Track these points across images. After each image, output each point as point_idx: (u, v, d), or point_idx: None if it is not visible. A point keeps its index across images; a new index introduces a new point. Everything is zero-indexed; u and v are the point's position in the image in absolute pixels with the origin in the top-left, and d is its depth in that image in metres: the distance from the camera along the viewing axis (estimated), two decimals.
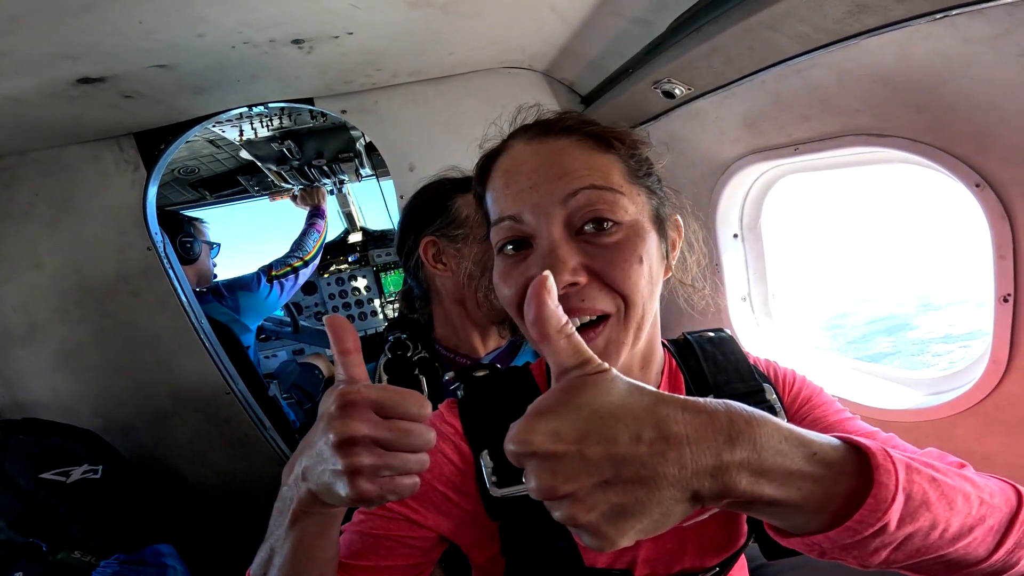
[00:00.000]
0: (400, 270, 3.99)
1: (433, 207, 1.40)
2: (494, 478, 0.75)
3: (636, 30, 1.39)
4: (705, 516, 0.80)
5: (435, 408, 1.32)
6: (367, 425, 0.53)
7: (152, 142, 2.06)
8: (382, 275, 4.00)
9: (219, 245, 2.83)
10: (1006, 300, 1.13)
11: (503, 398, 0.83)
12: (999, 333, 1.16)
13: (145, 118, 1.94)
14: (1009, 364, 1.16)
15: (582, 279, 0.68)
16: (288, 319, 3.58)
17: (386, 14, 1.39)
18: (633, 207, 0.72)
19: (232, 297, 2.78)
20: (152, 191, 2.12)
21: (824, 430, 0.71)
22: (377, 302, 4.06)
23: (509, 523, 0.76)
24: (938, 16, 0.86)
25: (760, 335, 1.97)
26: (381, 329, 3.91)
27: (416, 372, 1.39)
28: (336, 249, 4.06)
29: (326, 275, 4.05)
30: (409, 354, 1.42)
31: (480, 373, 0.88)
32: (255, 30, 1.38)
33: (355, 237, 4.07)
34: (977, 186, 1.09)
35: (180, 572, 1.79)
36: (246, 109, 2.04)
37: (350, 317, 4.08)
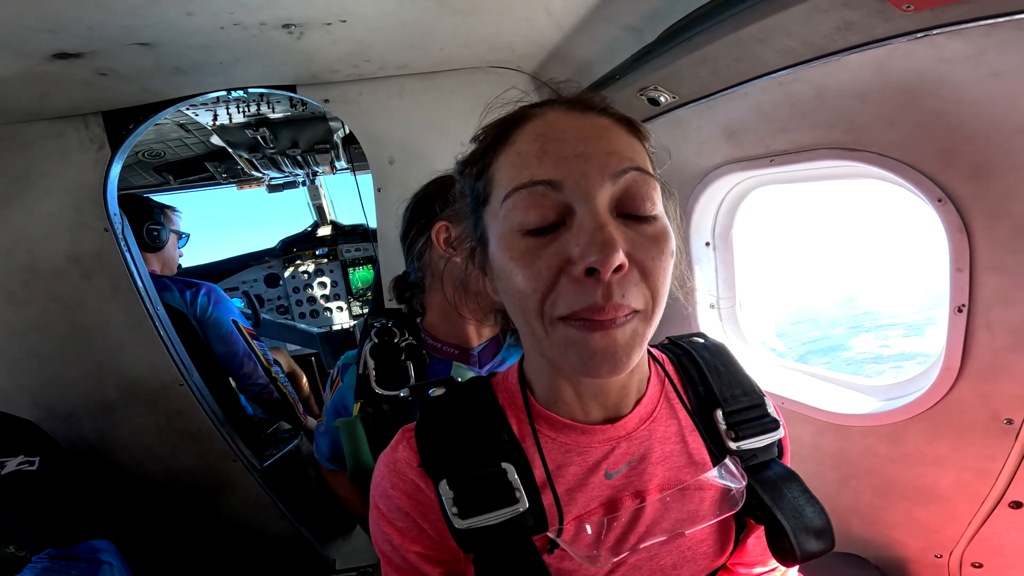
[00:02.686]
0: (369, 266, 4.00)
1: (449, 193, 1.42)
2: (455, 509, 0.70)
3: (627, 37, 1.44)
4: (703, 526, 0.78)
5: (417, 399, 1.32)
6: None
7: (120, 122, 1.99)
8: (350, 270, 3.95)
9: (188, 236, 2.76)
10: (960, 310, 1.20)
11: (460, 421, 0.77)
12: (952, 342, 1.23)
13: (116, 97, 1.88)
14: (961, 371, 1.23)
15: (627, 266, 0.61)
16: (249, 311, 3.51)
17: (381, 4, 1.39)
18: (660, 201, 0.68)
19: (203, 304, 2.64)
20: (115, 171, 2.05)
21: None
22: (342, 297, 4.01)
23: (481, 555, 0.71)
24: (919, 35, 0.92)
25: (727, 343, 2.04)
26: (348, 325, 3.90)
27: (403, 358, 1.39)
28: (304, 242, 4.00)
29: (291, 268, 3.98)
30: (396, 340, 1.42)
31: (436, 392, 0.82)
32: (247, 11, 1.36)
33: (324, 231, 4.02)
34: (939, 201, 1.17)
35: (117, 568, 1.72)
36: (224, 93, 2.00)
37: (314, 312, 4.03)
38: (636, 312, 0.63)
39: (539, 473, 0.73)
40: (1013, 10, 0.81)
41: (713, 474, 0.76)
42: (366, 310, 3.94)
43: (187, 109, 2.30)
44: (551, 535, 0.71)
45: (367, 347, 1.41)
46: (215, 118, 2.44)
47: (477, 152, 0.74)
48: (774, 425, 0.81)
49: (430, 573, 0.74)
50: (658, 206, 0.66)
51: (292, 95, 2.01)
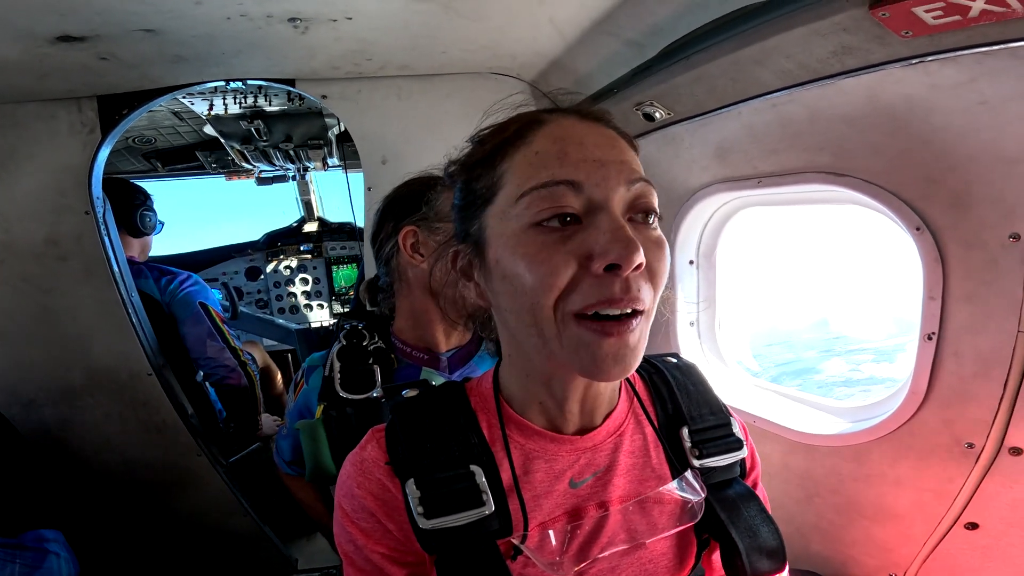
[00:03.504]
0: (354, 265, 3.98)
1: (418, 197, 1.40)
2: (420, 509, 0.70)
3: (627, 52, 1.47)
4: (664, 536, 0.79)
5: (390, 400, 1.32)
6: None
7: (115, 106, 1.97)
8: (334, 268, 3.93)
9: (163, 224, 2.73)
10: (930, 338, 1.24)
11: (431, 422, 0.77)
12: (920, 367, 1.27)
13: (114, 82, 1.87)
14: (927, 396, 1.27)
15: (644, 264, 0.64)
16: (227, 303, 3.46)
17: (387, 3, 1.41)
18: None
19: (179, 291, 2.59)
20: (102, 155, 2.04)
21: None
22: (324, 295, 3.98)
23: (443, 557, 0.71)
24: (914, 61, 0.96)
25: (705, 361, 2.07)
26: (328, 323, 3.87)
27: (371, 362, 1.38)
28: (288, 236, 3.97)
29: (274, 262, 3.94)
30: (365, 343, 1.41)
31: (410, 393, 0.82)
32: (255, 3, 1.36)
33: (311, 227, 4.00)
34: (917, 229, 1.21)
35: (64, 559, 1.68)
36: (222, 83, 2.00)
37: (294, 308, 3.99)
38: (642, 312, 0.65)
39: (506, 477, 0.74)
40: (1009, 38, 0.85)
41: (673, 485, 0.78)
42: (347, 309, 3.92)
43: (183, 97, 2.30)
44: (515, 541, 0.71)
45: (335, 348, 1.40)
46: (211, 107, 2.43)
47: (481, 152, 0.74)
48: (737, 445, 0.84)
49: (393, 574, 0.73)
50: (658, 213, 0.69)
51: (291, 89, 2.02)
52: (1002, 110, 0.96)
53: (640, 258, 0.62)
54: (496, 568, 0.70)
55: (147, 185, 2.69)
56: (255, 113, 2.60)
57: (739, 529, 0.78)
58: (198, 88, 1.99)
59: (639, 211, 0.67)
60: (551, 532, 0.73)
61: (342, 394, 1.34)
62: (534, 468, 0.75)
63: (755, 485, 0.88)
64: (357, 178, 2.97)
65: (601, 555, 0.74)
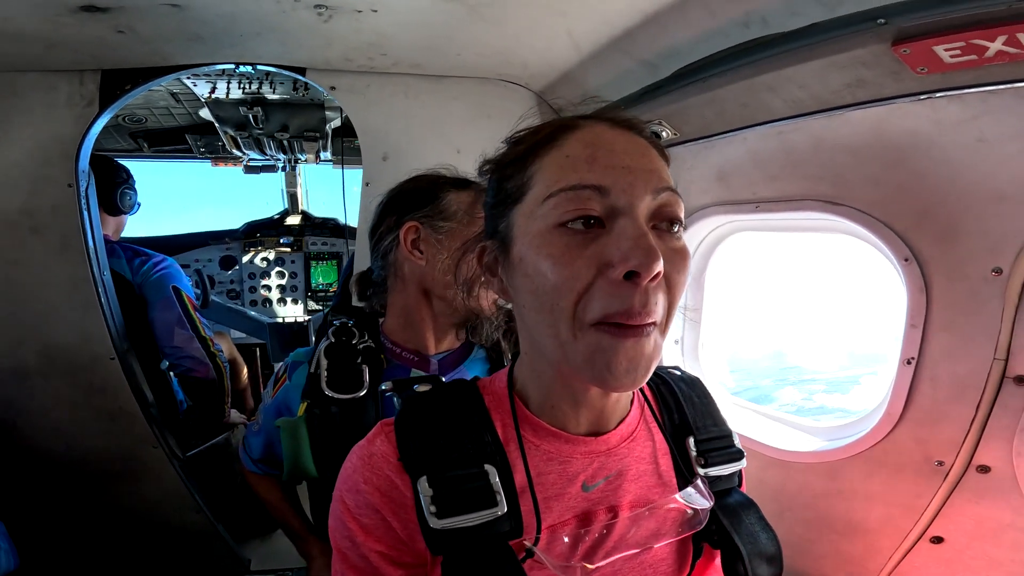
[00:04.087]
0: (333, 263, 3.95)
1: (424, 194, 1.39)
2: (433, 508, 0.69)
3: (640, 71, 1.52)
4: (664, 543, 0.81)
5: (375, 397, 1.30)
6: None
7: (118, 81, 1.93)
8: (313, 264, 3.88)
9: (139, 205, 2.67)
10: (909, 362, 1.32)
11: (445, 419, 0.76)
12: (898, 390, 1.34)
13: (123, 57, 1.83)
14: (902, 416, 1.34)
15: (662, 274, 0.64)
16: (198, 290, 3.38)
17: (417, 0, 1.44)
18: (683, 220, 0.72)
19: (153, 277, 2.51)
20: (96, 129, 1.98)
21: None
22: (299, 290, 3.93)
23: (452, 558, 0.70)
24: (923, 97, 1.04)
25: None
26: (301, 319, 3.82)
27: (359, 361, 1.35)
28: (269, 228, 3.91)
29: (251, 253, 3.87)
30: (354, 341, 1.38)
31: (421, 388, 0.82)
32: None
33: (293, 220, 3.94)
34: (906, 260, 1.29)
35: (3, 551, 1.60)
36: (231, 66, 1.99)
37: (267, 301, 3.92)
38: (656, 324, 0.65)
39: (519, 478, 0.74)
40: (1018, 78, 0.92)
41: (688, 491, 0.80)
42: (322, 305, 3.87)
43: (188, 78, 2.26)
44: (527, 543, 0.71)
45: (323, 346, 1.37)
46: (213, 90, 2.40)
47: (515, 152, 0.75)
48: (739, 456, 0.88)
49: (389, 574, 0.72)
50: (683, 223, 0.70)
51: (299, 78, 2.01)
52: (998, 148, 1.04)
53: (659, 267, 0.62)
54: (512, 570, 0.69)
55: (129, 165, 2.63)
56: (256, 100, 2.59)
57: (741, 536, 0.81)
58: (206, 69, 1.97)
59: (664, 219, 0.68)
60: (564, 535, 0.73)
61: (328, 392, 1.30)
62: (547, 470, 0.76)
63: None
64: (351, 176, 2.98)
65: (608, 559, 0.75)
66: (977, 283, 1.17)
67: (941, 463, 1.26)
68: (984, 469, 1.20)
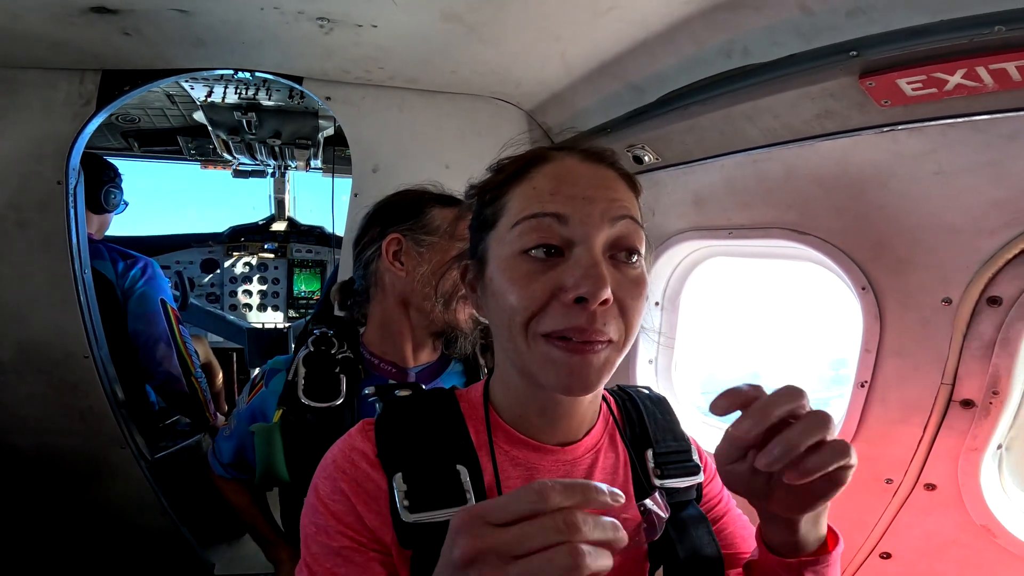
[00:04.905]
0: (317, 271, 3.96)
1: (409, 207, 1.43)
2: (406, 502, 0.73)
3: (627, 94, 1.61)
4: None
5: (351, 407, 1.33)
6: (479, 538, 0.51)
7: (117, 82, 1.97)
8: (296, 271, 3.89)
9: (127, 204, 2.67)
10: (863, 385, 1.38)
11: (423, 421, 0.81)
12: (852, 411, 1.41)
13: (125, 58, 1.87)
14: (855, 436, 1.40)
15: (611, 300, 0.70)
16: (177, 292, 3.37)
17: (418, 17, 1.50)
18: (644, 249, 0.77)
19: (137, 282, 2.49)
20: (90, 128, 2.01)
21: (720, 511, 0.96)
22: (281, 296, 3.92)
23: (422, 552, 0.73)
24: (885, 129, 1.12)
25: None
26: (282, 326, 3.81)
27: (337, 370, 1.37)
28: (253, 233, 3.92)
29: (233, 257, 3.87)
30: (333, 351, 1.41)
31: (403, 393, 0.87)
32: None
33: (279, 226, 3.96)
34: (863, 288, 1.36)
35: None
36: (231, 72, 2.04)
37: (247, 306, 3.91)
38: (611, 342, 0.71)
39: (488, 480, 0.78)
40: (974, 111, 1.00)
41: (646, 502, 0.84)
42: (302, 313, 3.87)
43: (186, 81, 2.30)
44: None
45: (302, 354, 1.39)
46: (209, 94, 2.44)
47: (494, 181, 0.82)
48: (696, 470, 0.92)
49: (352, 558, 0.75)
50: (642, 253, 0.76)
51: (297, 87, 2.06)
52: (953, 181, 1.12)
53: (605, 295, 0.67)
54: None
55: (116, 163, 2.62)
56: (250, 105, 2.63)
57: (683, 547, 0.85)
58: (206, 74, 2.02)
59: (622, 249, 0.73)
60: None
61: (304, 400, 1.33)
62: (515, 475, 0.80)
63: (719, 498, 0.97)
64: (340, 185, 3.01)
65: None
66: (927, 312, 1.24)
67: (890, 480, 1.32)
68: (931, 487, 1.26)
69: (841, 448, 0.63)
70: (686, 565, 0.84)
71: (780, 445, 0.62)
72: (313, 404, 1.32)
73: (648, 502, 0.83)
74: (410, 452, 0.77)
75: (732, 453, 0.70)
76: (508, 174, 0.80)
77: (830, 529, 0.78)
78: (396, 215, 1.43)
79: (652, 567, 0.88)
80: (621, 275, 0.73)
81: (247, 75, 2.07)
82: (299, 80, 2.05)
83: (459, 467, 0.77)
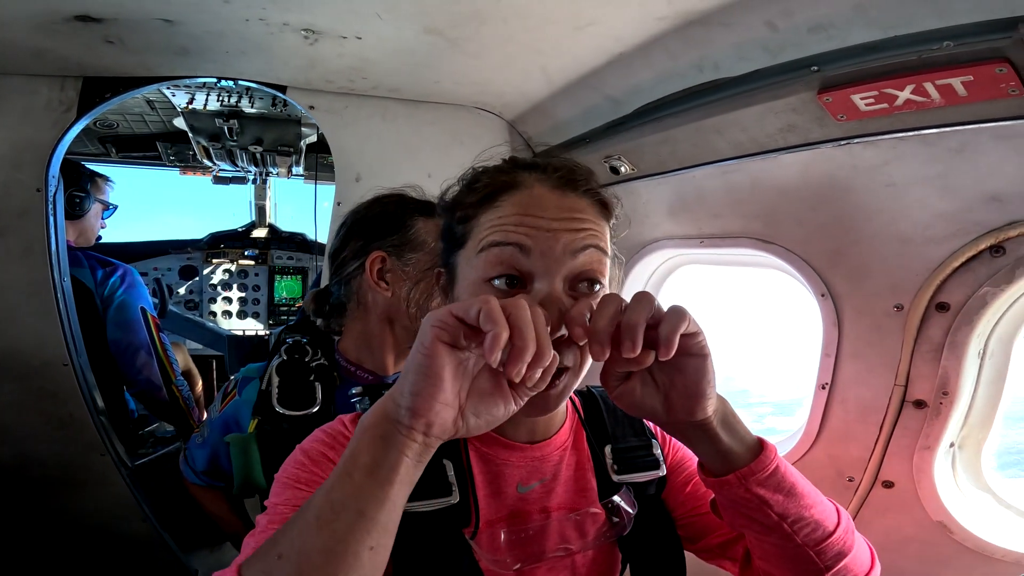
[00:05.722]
0: (297, 277, 3.96)
1: (393, 221, 1.39)
2: None
3: (606, 106, 1.66)
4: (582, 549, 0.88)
5: (327, 414, 1.32)
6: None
7: (99, 89, 1.96)
8: (277, 277, 3.88)
9: (115, 208, 2.65)
10: (824, 388, 1.47)
11: None
12: (814, 412, 1.49)
13: (107, 65, 1.88)
14: (818, 436, 1.49)
15: (567, 334, 0.72)
16: (156, 299, 3.34)
17: (401, 30, 1.54)
18: (608, 272, 0.79)
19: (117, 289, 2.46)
20: (71, 135, 2.00)
21: (689, 475, 0.97)
22: (262, 303, 3.91)
23: (405, 538, 0.73)
24: (843, 142, 1.19)
25: None
26: (263, 332, 3.80)
27: (312, 378, 1.36)
28: (234, 239, 3.89)
29: (213, 264, 3.85)
30: (307, 359, 1.39)
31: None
32: (278, 9, 1.45)
33: (259, 232, 3.94)
34: (822, 295, 1.44)
35: None
36: (213, 80, 2.05)
37: (227, 313, 3.89)
38: (567, 369, 0.74)
39: (463, 476, 0.83)
40: (923, 125, 1.08)
41: (614, 498, 0.89)
42: (284, 320, 3.86)
43: (168, 88, 2.31)
44: (467, 535, 0.80)
45: (275, 362, 1.38)
46: (191, 101, 2.45)
47: (465, 200, 0.82)
48: (655, 464, 0.95)
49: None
50: (605, 278, 0.78)
51: (280, 95, 2.08)
52: (904, 193, 1.20)
53: (559, 330, 0.70)
54: (462, 550, 0.78)
55: (95, 168, 2.60)
56: (232, 112, 2.64)
57: (648, 540, 0.90)
58: (188, 81, 2.02)
59: (583, 280, 0.75)
60: (502, 532, 0.83)
61: (279, 409, 1.31)
62: (487, 470, 0.85)
63: (690, 477, 0.98)
64: (324, 190, 3.03)
65: (541, 559, 0.84)
66: (881, 317, 1.32)
67: (852, 479, 1.39)
68: (889, 484, 1.34)
69: (677, 310, 0.66)
70: (651, 555, 0.90)
71: (624, 332, 0.65)
72: (288, 413, 1.31)
73: (616, 499, 0.89)
74: None
75: (612, 379, 0.73)
76: (477, 199, 0.81)
77: (762, 440, 0.78)
78: (379, 229, 1.38)
79: (624, 559, 0.92)
80: (582, 305, 0.73)
81: (230, 83, 2.08)
82: (282, 89, 2.06)
83: (445, 461, 0.82)
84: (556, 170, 0.80)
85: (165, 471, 2.46)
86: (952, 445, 1.27)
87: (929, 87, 1.02)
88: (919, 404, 1.27)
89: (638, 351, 0.64)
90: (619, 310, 0.66)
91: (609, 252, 0.79)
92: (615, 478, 0.91)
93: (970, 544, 1.23)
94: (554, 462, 0.89)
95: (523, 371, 0.60)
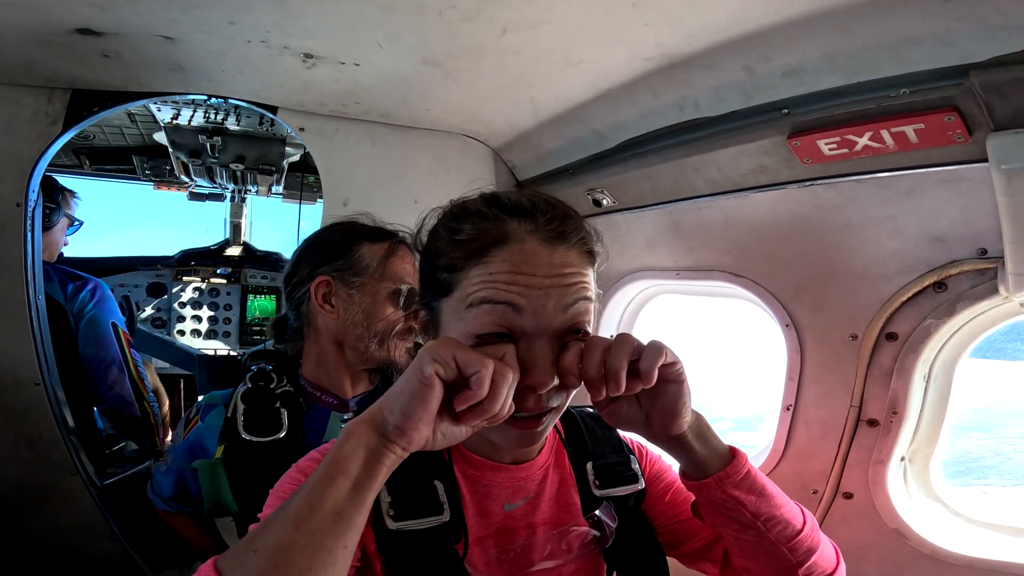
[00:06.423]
0: (271, 297, 3.93)
1: (337, 247, 1.42)
2: (391, 512, 0.81)
3: (591, 139, 1.76)
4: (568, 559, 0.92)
5: (294, 440, 1.35)
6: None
7: (86, 102, 1.94)
8: (250, 296, 3.85)
9: (81, 223, 2.61)
10: (788, 409, 1.59)
11: None
12: (780, 431, 1.60)
13: (98, 79, 1.86)
14: (784, 453, 1.60)
15: (556, 383, 0.77)
16: (123, 316, 3.27)
17: (400, 60, 1.59)
18: (592, 316, 0.82)
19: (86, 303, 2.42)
20: (54, 149, 1.97)
21: (667, 486, 1.04)
22: (233, 323, 3.86)
23: (401, 555, 0.82)
24: (807, 183, 1.32)
25: None
26: (235, 353, 3.74)
27: (277, 405, 1.37)
28: (206, 257, 3.85)
29: (183, 281, 3.79)
30: (272, 386, 1.40)
31: None
32: (281, 34, 1.49)
33: (233, 251, 3.91)
34: (787, 326, 1.56)
35: None
36: (204, 97, 2.05)
37: (196, 332, 3.83)
38: (554, 409, 0.81)
39: (453, 495, 0.88)
40: (879, 168, 1.20)
41: (596, 513, 0.95)
42: (258, 339, 3.81)
43: (154, 102, 2.31)
44: (459, 551, 0.85)
45: (240, 390, 1.39)
46: (176, 116, 2.46)
47: (450, 251, 0.82)
48: (634, 478, 1.00)
49: None
50: (589, 325, 0.81)
51: (271, 116, 2.09)
52: (859, 232, 1.33)
53: (549, 385, 0.75)
54: (456, 567, 0.83)
55: (65, 182, 2.56)
56: (216, 129, 2.66)
57: (631, 550, 0.97)
58: (179, 98, 2.03)
59: (570, 331, 0.78)
60: (492, 548, 0.88)
61: (245, 436, 1.33)
62: (475, 490, 0.91)
63: (668, 487, 1.05)
64: (306, 209, 3.02)
65: (529, 571, 0.89)
66: (838, 346, 1.45)
67: (816, 491, 1.50)
68: (848, 496, 1.45)
69: (655, 346, 0.75)
70: (635, 564, 0.97)
71: (608, 376, 0.74)
72: (255, 439, 1.32)
73: (598, 513, 0.95)
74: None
75: (602, 402, 0.80)
76: (468, 251, 0.79)
77: (734, 449, 0.88)
78: (325, 255, 1.41)
79: (609, 568, 0.98)
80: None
81: (220, 100, 2.10)
82: (273, 109, 2.08)
83: (436, 482, 0.87)
84: (546, 220, 0.80)
85: (134, 490, 2.40)
86: (903, 459, 1.39)
87: (885, 134, 1.15)
88: (872, 423, 1.39)
89: (622, 390, 0.74)
90: (605, 351, 0.75)
91: (594, 297, 0.82)
92: (597, 493, 0.97)
93: (924, 550, 1.33)
94: (537, 480, 0.94)
95: (473, 422, 0.70)
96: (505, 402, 0.69)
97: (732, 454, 0.87)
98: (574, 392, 0.82)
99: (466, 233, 0.80)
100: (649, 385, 0.74)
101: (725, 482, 0.84)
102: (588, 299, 0.80)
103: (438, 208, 0.90)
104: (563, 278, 0.77)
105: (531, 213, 0.80)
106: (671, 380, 0.77)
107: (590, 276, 0.82)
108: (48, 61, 1.71)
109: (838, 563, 0.93)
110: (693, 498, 1.00)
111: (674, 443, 0.84)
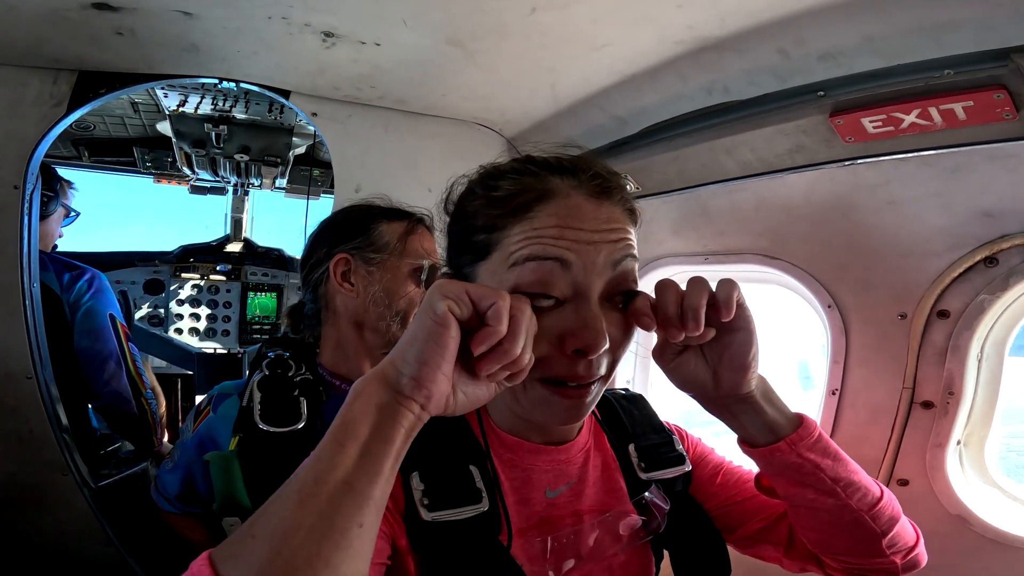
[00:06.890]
0: (271, 295, 3.85)
1: (355, 225, 1.39)
2: (425, 501, 0.75)
3: (611, 125, 1.72)
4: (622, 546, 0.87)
5: (313, 430, 1.29)
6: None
7: (93, 84, 1.89)
8: (251, 294, 3.77)
9: (77, 214, 2.54)
10: (834, 393, 1.54)
11: (432, 425, 0.73)
12: (826, 416, 1.55)
13: (108, 59, 1.81)
14: (831, 439, 1.53)
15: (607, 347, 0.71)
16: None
17: (423, 39, 1.55)
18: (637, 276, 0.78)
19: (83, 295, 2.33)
20: (56, 131, 1.92)
21: (716, 467, 0.99)
22: (233, 320, 3.78)
23: (434, 553, 0.75)
24: (847, 163, 1.28)
25: None
26: (235, 351, 3.65)
27: (296, 393, 1.31)
28: (206, 253, 3.78)
29: (181, 278, 3.71)
30: (291, 374, 1.35)
31: None
32: (303, 9, 1.44)
33: (234, 247, 3.84)
34: (829, 307, 1.52)
35: None
36: (214, 81, 2.00)
37: (194, 330, 3.74)
38: (602, 378, 0.75)
39: (490, 482, 0.82)
40: (924, 147, 1.17)
41: (646, 495, 0.89)
42: (257, 338, 3.73)
43: (162, 88, 2.25)
44: (503, 542, 0.79)
45: (256, 378, 1.33)
46: (182, 103, 2.40)
47: (488, 209, 0.77)
48: (680, 460, 0.95)
49: None
50: (636, 286, 0.77)
51: (283, 100, 2.05)
52: (903, 210, 1.30)
53: (603, 347, 0.69)
54: (503, 560, 0.76)
55: (63, 173, 2.48)
56: (222, 118, 2.59)
57: (686, 534, 0.91)
58: (189, 81, 1.98)
59: (620, 291, 0.74)
60: (537, 538, 0.82)
61: (262, 426, 1.26)
62: (513, 476, 0.85)
63: (717, 468, 1.00)
64: (299, 205, 2.96)
65: (575, 562, 0.83)
66: (886, 325, 1.41)
67: None
68: (904, 482, 1.40)
69: (728, 281, 0.72)
70: (692, 549, 0.90)
71: (687, 314, 0.70)
72: (272, 429, 1.26)
73: (648, 495, 0.89)
74: (425, 452, 0.77)
75: (667, 355, 0.78)
76: (509, 207, 0.75)
77: (800, 413, 0.83)
78: (343, 234, 1.39)
79: (657, 559, 0.92)
80: (618, 314, 0.74)
81: (230, 85, 2.05)
82: (286, 94, 2.03)
83: (472, 468, 0.80)
84: (590, 176, 0.76)
85: (130, 493, 2.32)
86: (959, 443, 1.35)
87: (933, 111, 1.11)
88: (927, 405, 1.34)
89: (701, 328, 0.70)
90: (679, 291, 0.71)
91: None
92: (643, 476, 0.91)
93: (990, 535, 1.29)
94: (579, 464, 0.89)
95: (493, 368, 0.61)
96: (526, 346, 0.62)
97: (799, 418, 0.82)
98: (619, 361, 0.78)
99: (505, 190, 0.76)
100: (729, 316, 0.70)
101: (799, 444, 0.79)
102: (635, 258, 0.76)
103: (464, 176, 0.86)
104: (611, 233, 0.73)
105: (572, 170, 0.77)
106: (740, 327, 0.73)
107: (634, 235, 0.78)
108: (58, 40, 1.65)
109: (918, 538, 0.88)
110: (748, 479, 0.96)
111: (741, 404, 0.79)
